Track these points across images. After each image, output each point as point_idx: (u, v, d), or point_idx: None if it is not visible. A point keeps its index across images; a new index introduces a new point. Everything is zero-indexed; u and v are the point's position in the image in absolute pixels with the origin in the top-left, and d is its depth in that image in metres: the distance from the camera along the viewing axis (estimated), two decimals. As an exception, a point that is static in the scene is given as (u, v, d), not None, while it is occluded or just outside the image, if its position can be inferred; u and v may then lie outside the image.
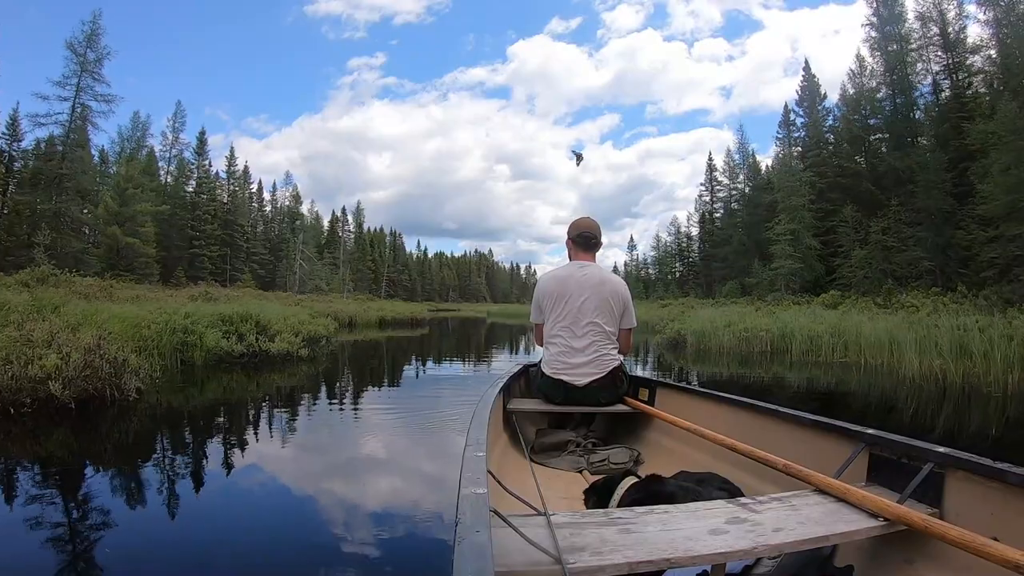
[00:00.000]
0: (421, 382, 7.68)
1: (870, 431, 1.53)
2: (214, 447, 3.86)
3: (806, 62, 38.67)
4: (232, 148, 49.00)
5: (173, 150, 42.47)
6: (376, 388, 7.07)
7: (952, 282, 22.39)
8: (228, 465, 3.35)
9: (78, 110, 31.89)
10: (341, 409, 5.27)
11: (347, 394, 6.31)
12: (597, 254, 2.61)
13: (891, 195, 26.73)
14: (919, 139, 29.03)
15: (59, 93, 31.42)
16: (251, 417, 5.02)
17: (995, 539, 1.01)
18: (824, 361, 9.01)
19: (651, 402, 2.58)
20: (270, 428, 4.52)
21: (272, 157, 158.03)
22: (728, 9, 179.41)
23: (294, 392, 6.34)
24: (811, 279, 28.32)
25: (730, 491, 1.45)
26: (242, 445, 3.89)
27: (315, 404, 5.61)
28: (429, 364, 10.16)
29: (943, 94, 29.30)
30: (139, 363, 5.11)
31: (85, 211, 28.39)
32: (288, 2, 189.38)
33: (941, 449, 1.32)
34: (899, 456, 1.43)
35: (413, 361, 10.72)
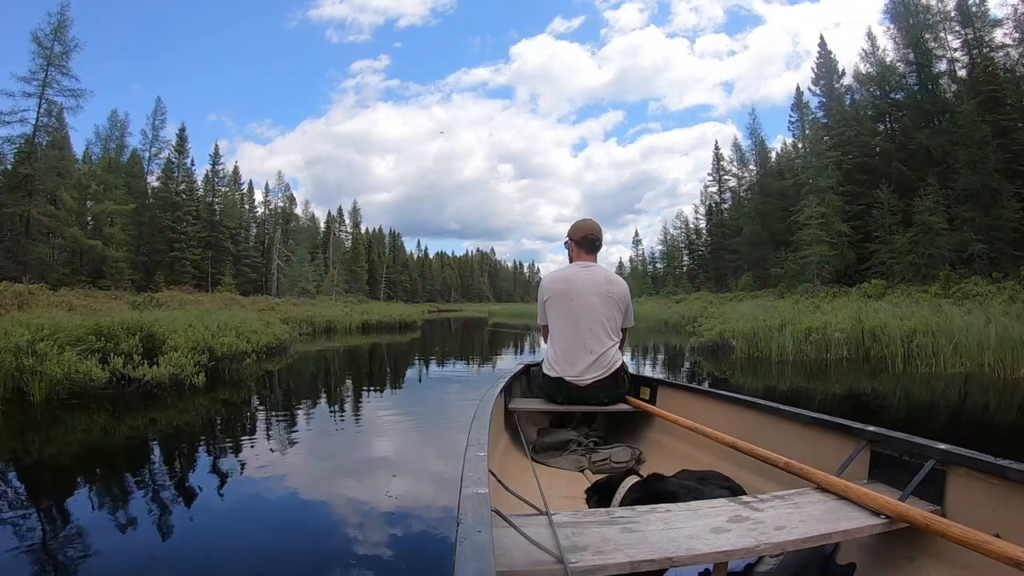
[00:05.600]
0: (377, 427, 5.29)
1: (871, 428, 1.48)
2: None
3: (821, 38, 35.96)
4: (216, 147, 46.20)
5: (153, 148, 40.18)
6: (292, 443, 4.67)
7: (1002, 266, 20.05)
8: None
9: (44, 106, 29.81)
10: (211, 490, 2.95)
11: (232, 456, 3.94)
12: (597, 255, 2.53)
13: (923, 175, 24.39)
14: (946, 115, 26.77)
15: (24, 89, 29.34)
16: None
17: (997, 536, 0.99)
18: (936, 371, 6.57)
19: (652, 401, 2.51)
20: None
21: (275, 162, 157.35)
22: (730, 5, 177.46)
23: (153, 448, 4.00)
24: (841, 267, 25.78)
25: (732, 489, 1.42)
26: None
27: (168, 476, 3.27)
28: (405, 386, 7.80)
29: (960, 72, 27.63)
30: None
31: (48, 214, 25.94)
32: (291, 7, 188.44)
33: (942, 446, 1.29)
34: (900, 453, 1.39)
35: (383, 381, 8.37)
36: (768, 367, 7.63)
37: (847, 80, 33.22)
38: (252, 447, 3.95)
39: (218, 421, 4.96)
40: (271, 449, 3.85)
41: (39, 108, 29.91)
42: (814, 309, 12.25)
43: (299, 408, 5.71)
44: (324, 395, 6.79)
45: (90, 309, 11.34)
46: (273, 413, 5.42)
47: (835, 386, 6.50)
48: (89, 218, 27.43)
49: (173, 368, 5.38)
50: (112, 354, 5.35)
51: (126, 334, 5.92)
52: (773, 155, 42.12)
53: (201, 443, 4.18)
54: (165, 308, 12.59)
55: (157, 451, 3.94)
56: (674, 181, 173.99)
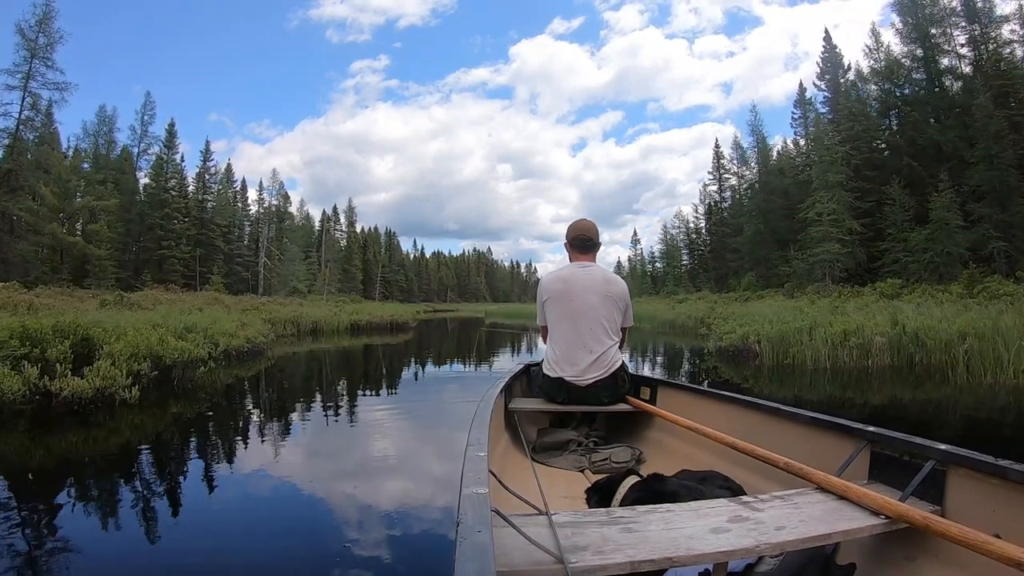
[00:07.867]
0: (368, 430, 4.38)
1: (871, 428, 1.45)
2: None
3: (826, 31, 35.09)
4: (207, 143, 45.22)
5: (142, 144, 39.20)
6: (265, 453, 3.77)
7: (1021, 265, 19.30)
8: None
9: (28, 99, 28.78)
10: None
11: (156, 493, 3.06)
12: (595, 255, 2.52)
13: (934, 171, 23.67)
14: (954, 110, 26.01)
15: (7, 82, 28.32)
16: None
17: (997, 536, 0.97)
18: (1002, 380, 5.72)
19: (653, 401, 2.51)
20: None
21: (274, 162, 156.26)
22: (729, 6, 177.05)
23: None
24: (851, 266, 24.99)
25: (732, 489, 1.41)
26: None
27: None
28: (398, 389, 6.90)
29: (966, 68, 26.97)
30: None
31: (27, 210, 24.85)
32: (292, 8, 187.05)
33: (943, 446, 1.26)
34: (901, 454, 1.37)
35: (371, 385, 7.47)
36: (801, 375, 6.75)
37: (852, 76, 32.66)
38: (207, 464, 3.52)
39: (162, 439, 4.11)
40: (237, 463, 3.52)
41: (22, 101, 29.01)
42: (833, 310, 11.42)
43: (268, 417, 5.07)
44: (300, 401, 6.00)
45: (54, 309, 10.44)
46: (233, 426, 4.68)
47: (875, 397, 5.66)
48: (76, 213, 26.37)
49: (101, 380, 4.47)
50: (29, 362, 4.45)
51: (56, 338, 5.02)
52: (774, 153, 41.39)
53: (137, 465, 3.37)
54: (137, 308, 11.68)
55: (74, 482, 3.08)
56: (672, 181, 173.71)
